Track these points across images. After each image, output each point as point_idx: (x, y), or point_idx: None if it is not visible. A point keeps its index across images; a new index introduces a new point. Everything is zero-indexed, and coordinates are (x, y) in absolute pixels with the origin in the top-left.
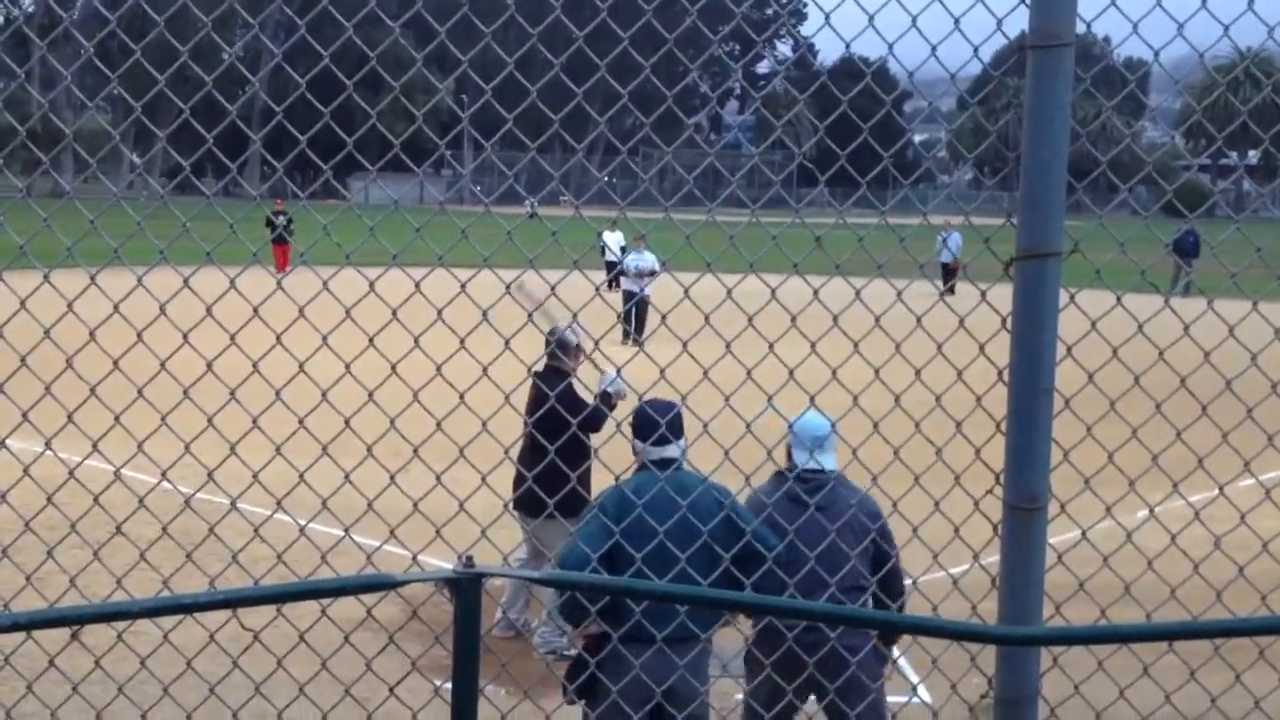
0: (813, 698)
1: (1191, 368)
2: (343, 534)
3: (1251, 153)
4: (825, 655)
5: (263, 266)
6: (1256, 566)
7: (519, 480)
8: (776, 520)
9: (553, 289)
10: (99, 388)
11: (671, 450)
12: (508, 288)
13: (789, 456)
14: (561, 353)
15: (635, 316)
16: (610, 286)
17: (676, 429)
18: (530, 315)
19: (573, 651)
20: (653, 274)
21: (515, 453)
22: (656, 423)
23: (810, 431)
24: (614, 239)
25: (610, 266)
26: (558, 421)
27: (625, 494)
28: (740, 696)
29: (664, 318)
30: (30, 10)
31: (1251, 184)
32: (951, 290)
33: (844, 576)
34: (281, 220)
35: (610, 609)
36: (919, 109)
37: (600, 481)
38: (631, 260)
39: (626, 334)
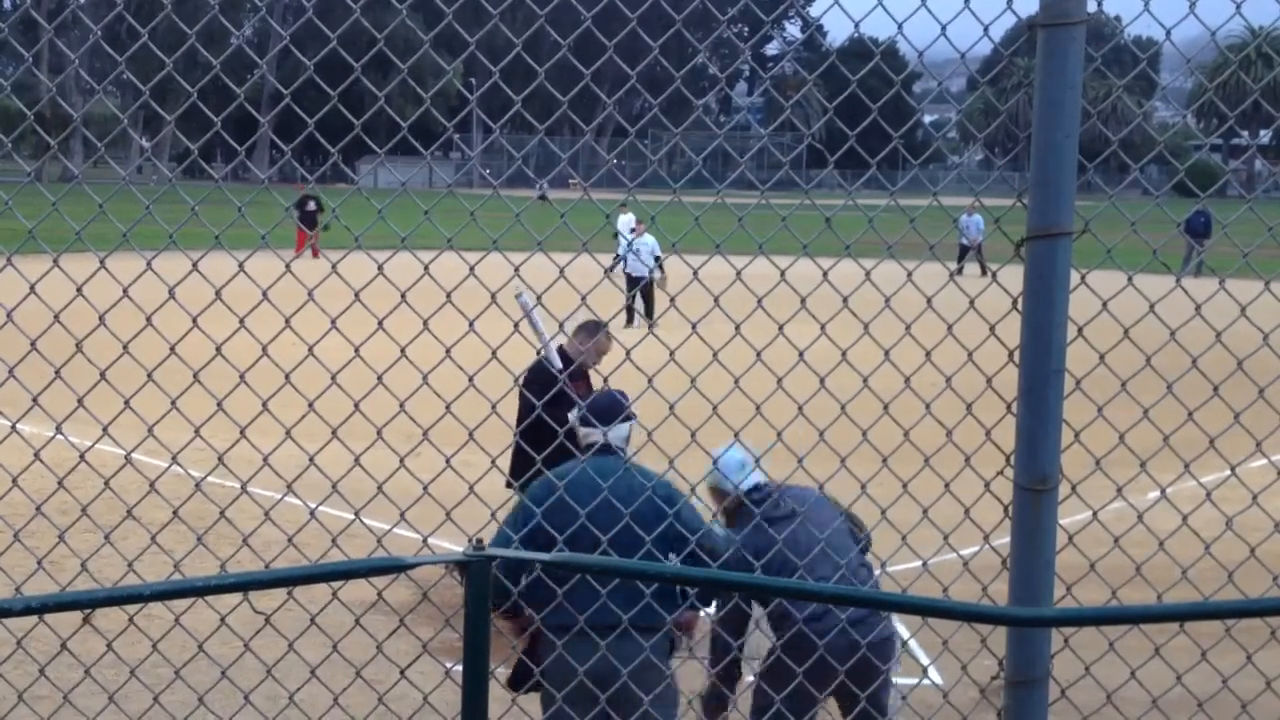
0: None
1: (1203, 348)
2: (353, 517)
3: (1263, 132)
4: (862, 657)
5: (273, 251)
6: (1268, 547)
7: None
8: (760, 547)
9: (562, 271)
10: (109, 372)
11: (597, 435)
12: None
13: (717, 496)
14: (585, 332)
15: (643, 299)
16: (620, 267)
17: (606, 415)
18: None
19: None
20: (656, 260)
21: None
22: (597, 410)
23: (732, 460)
24: (625, 221)
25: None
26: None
27: (549, 479)
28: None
29: (673, 300)
30: None
31: (1264, 163)
32: (984, 270)
33: (839, 574)
34: (311, 206)
35: (546, 599)
36: (929, 89)
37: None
38: (631, 242)
39: (631, 317)
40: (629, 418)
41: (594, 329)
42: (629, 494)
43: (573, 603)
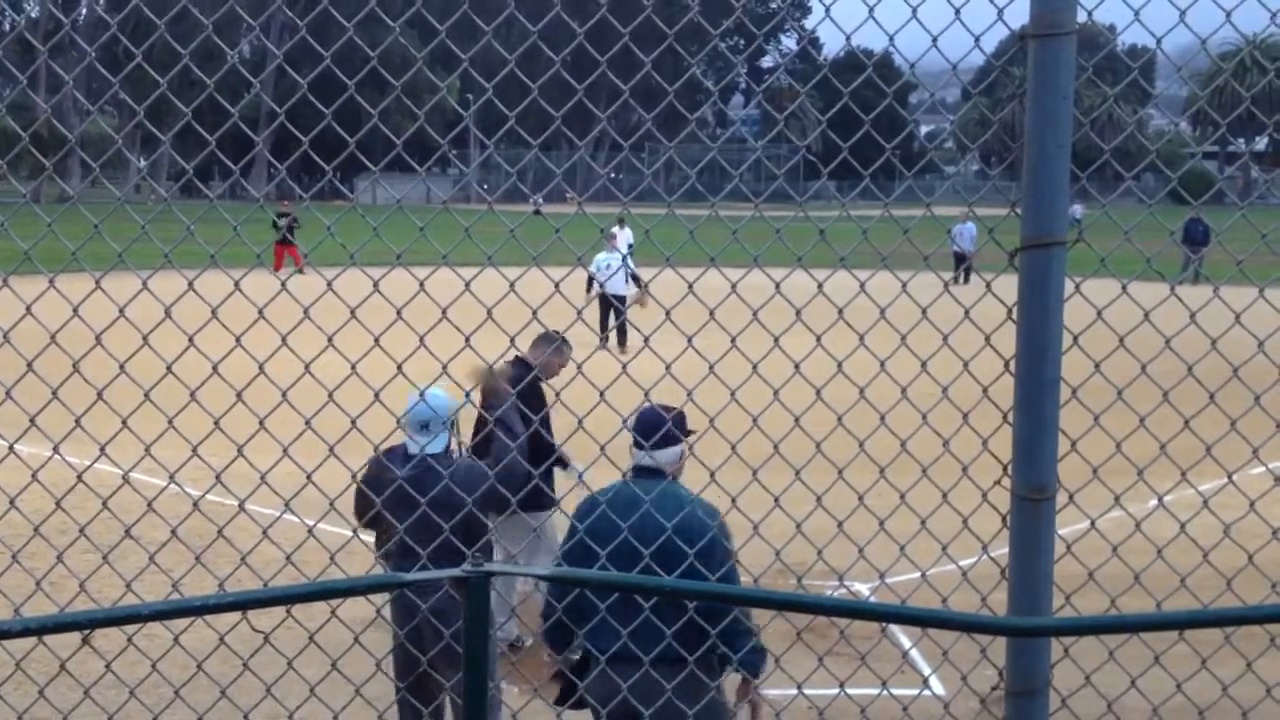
0: None
1: (1199, 355)
2: (351, 534)
3: (1259, 138)
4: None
5: (268, 268)
6: (1266, 554)
7: None
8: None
9: (556, 285)
10: (106, 391)
11: (647, 459)
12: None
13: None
14: (544, 343)
15: (618, 322)
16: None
17: (663, 437)
18: None
19: (529, 641)
20: (636, 281)
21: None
22: (640, 427)
23: (414, 415)
24: (623, 237)
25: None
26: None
27: (594, 501)
28: (768, 691)
29: (668, 313)
30: (35, 16)
31: (1258, 170)
32: (966, 278)
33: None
34: (284, 222)
35: (588, 627)
36: (924, 100)
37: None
38: (603, 261)
39: (622, 336)
40: (675, 440)
41: (551, 341)
42: (657, 528)
43: (603, 631)
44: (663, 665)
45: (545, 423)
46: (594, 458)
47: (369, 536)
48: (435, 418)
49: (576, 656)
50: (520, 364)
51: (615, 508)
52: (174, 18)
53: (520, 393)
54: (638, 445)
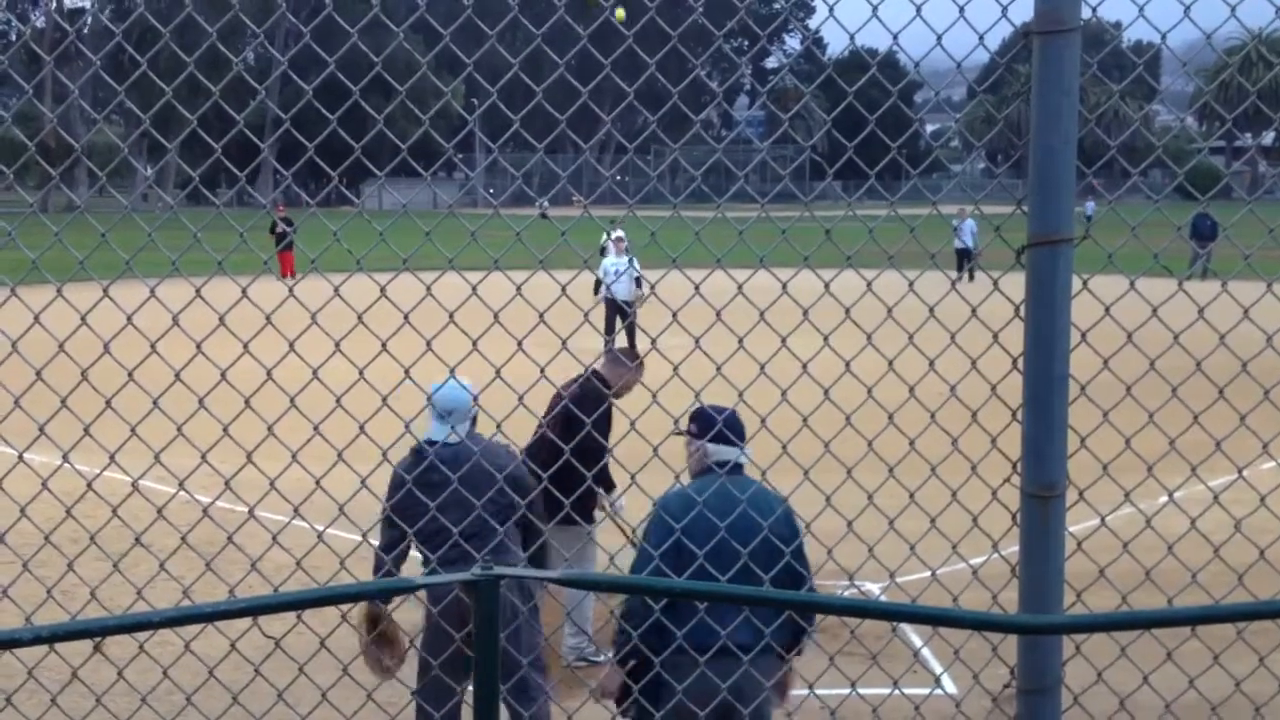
0: None
1: (1207, 351)
2: (360, 539)
3: (1266, 133)
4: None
5: (273, 274)
6: (1278, 549)
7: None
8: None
9: (563, 289)
10: (115, 399)
11: (743, 456)
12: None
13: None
14: (615, 363)
15: (625, 325)
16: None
17: (739, 432)
18: None
19: (601, 657)
20: (638, 283)
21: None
22: (731, 426)
23: (438, 402)
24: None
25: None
26: (579, 423)
27: (688, 496)
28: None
29: (675, 314)
30: (40, 26)
31: (1266, 164)
32: (971, 276)
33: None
34: (280, 228)
35: (662, 622)
36: (929, 99)
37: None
38: (612, 266)
39: (630, 339)
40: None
41: (636, 361)
42: (757, 523)
43: (698, 623)
44: (763, 656)
45: (603, 431)
46: (625, 486)
47: (374, 542)
48: (457, 409)
49: (635, 661)
50: (602, 381)
51: (711, 505)
52: (179, 26)
53: (587, 399)
54: (726, 442)
